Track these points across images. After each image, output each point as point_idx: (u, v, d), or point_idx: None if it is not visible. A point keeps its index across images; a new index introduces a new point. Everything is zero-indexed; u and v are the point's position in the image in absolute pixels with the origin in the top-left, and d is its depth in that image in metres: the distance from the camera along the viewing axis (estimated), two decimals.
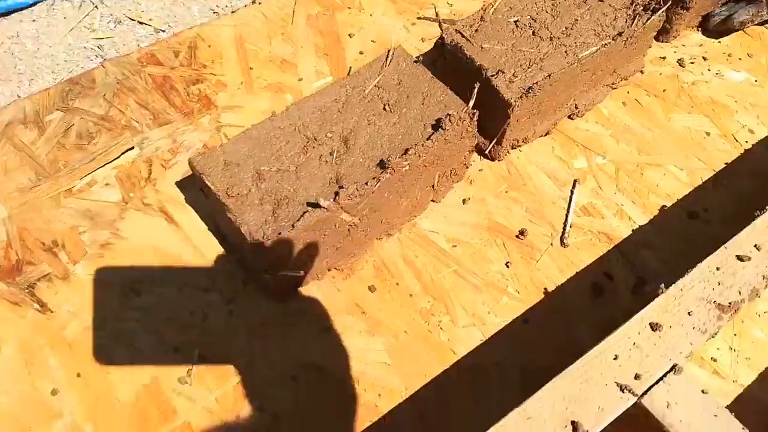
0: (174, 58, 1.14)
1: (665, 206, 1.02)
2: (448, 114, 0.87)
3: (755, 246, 0.81)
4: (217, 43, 1.18)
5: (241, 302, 0.90)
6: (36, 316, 0.87)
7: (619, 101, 1.14)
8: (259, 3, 1.24)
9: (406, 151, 0.85)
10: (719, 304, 0.76)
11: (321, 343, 0.87)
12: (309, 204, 0.81)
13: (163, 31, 1.38)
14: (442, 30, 1.01)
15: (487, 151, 1.04)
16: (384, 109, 0.92)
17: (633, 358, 0.72)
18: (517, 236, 0.98)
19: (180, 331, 0.87)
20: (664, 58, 1.20)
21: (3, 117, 1.04)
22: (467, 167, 1.02)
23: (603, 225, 1.00)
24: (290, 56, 1.17)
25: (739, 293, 0.77)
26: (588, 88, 1.08)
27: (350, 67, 1.16)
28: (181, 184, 1.00)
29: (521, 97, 0.94)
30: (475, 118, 0.91)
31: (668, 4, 1.05)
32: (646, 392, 0.70)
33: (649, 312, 0.75)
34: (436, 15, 1.04)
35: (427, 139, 0.87)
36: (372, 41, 1.20)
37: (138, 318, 0.88)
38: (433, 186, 0.96)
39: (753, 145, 1.09)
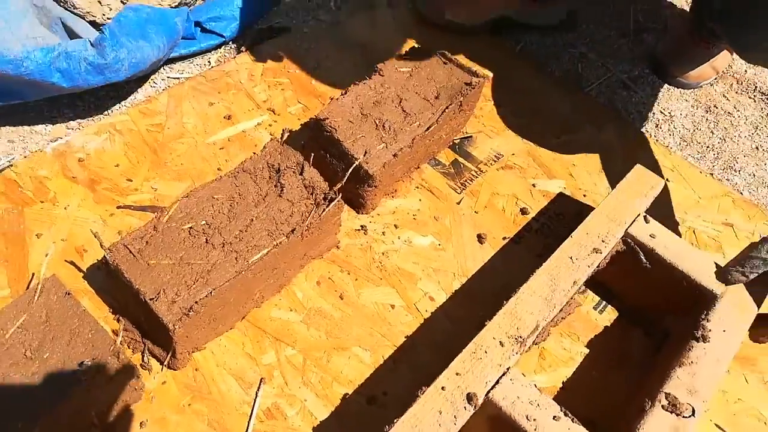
0: None
1: (347, 394, 0.98)
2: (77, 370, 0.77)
3: None
4: None
5: None
6: None
7: (314, 281, 1.11)
8: None
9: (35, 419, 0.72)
10: None
11: None
12: None
13: None
14: (103, 248, 0.92)
15: (165, 363, 0.96)
16: (25, 355, 0.81)
17: None
18: None
19: None
20: (359, 229, 1.18)
21: None
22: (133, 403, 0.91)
23: (285, 429, 0.94)
24: None
25: None
26: (273, 280, 1.05)
27: (32, 274, 1.04)
28: None
29: (181, 318, 0.88)
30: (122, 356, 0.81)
31: (339, 196, 1.07)
32: None
33: None
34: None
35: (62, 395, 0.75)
36: (62, 240, 1.07)
37: None
38: None
39: (431, 313, 1.11)
